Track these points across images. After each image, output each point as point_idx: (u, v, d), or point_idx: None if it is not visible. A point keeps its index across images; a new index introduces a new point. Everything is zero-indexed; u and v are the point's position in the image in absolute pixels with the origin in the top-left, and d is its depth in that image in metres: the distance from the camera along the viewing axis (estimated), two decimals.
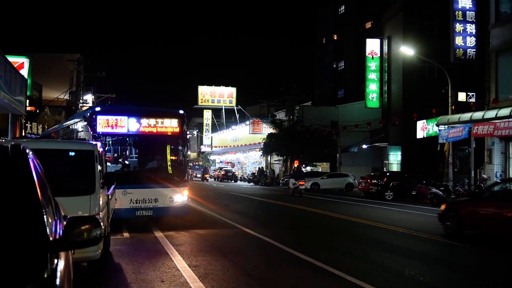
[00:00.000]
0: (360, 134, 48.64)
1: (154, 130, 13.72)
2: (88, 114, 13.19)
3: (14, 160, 3.22)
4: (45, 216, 3.01)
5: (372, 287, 7.67)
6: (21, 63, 26.11)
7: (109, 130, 13.18)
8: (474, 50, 31.62)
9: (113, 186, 10.38)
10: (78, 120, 14.76)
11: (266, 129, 56.61)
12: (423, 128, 35.21)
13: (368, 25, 67.37)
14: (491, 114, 25.36)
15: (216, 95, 79.23)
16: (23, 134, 28.09)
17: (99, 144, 9.21)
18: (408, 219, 18.08)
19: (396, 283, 8.18)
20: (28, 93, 19.75)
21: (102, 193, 8.08)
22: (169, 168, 14.24)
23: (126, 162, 15.01)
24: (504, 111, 24.38)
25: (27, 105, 19.92)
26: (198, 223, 15.09)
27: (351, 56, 70.87)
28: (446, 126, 29.27)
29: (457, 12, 31.67)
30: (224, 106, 79.97)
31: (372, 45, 46.69)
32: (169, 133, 13.90)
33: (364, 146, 49.50)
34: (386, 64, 46.01)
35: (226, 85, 79.49)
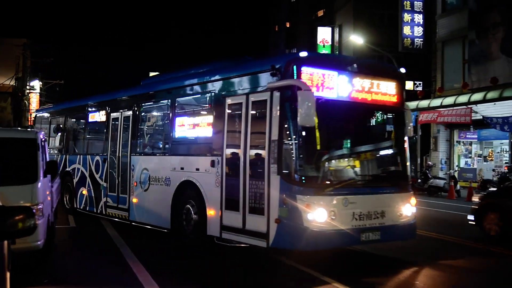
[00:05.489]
0: None
1: (375, 97, 8.89)
2: (286, 62, 8.19)
3: None
4: None
5: None
6: None
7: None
8: (422, 39, 32.40)
9: (58, 177, 10.18)
10: (249, 72, 9.12)
11: None
12: None
13: (321, 13, 67.77)
14: (436, 102, 26.08)
15: None
16: None
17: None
18: None
19: None
20: None
21: (45, 182, 8.02)
22: (392, 161, 9.64)
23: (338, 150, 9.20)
24: (449, 100, 25.15)
25: None
26: None
27: (304, 44, 71.05)
28: None
29: (405, 2, 32.30)
30: None
31: (324, 33, 47.13)
32: (390, 105, 9.18)
33: None
34: (337, 52, 46.56)
35: None
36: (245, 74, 9.12)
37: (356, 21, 43.53)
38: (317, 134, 8.09)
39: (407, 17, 32.27)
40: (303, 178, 7.95)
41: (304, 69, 8.04)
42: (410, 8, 32.44)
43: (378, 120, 9.72)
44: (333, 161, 8.84)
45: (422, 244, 10.39)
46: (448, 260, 9.50)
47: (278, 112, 8.03)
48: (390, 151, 9.67)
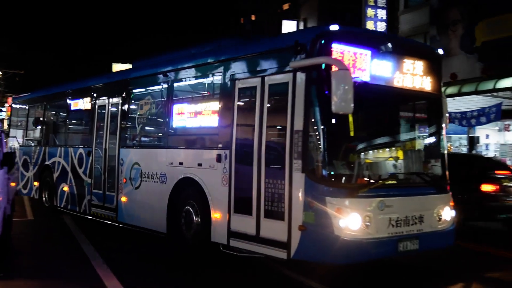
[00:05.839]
0: None
1: (412, 82, 7.58)
2: (313, 37, 6.86)
3: None
4: None
5: None
6: None
7: None
8: None
9: (15, 169, 10.26)
10: (265, 50, 7.79)
11: None
12: None
13: (286, 6, 68.05)
14: None
15: None
16: None
17: None
18: None
19: None
20: None
21: (1, 174, 7.90)
22: (430, 157, 8.18)
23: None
24: None
25: None
26: None
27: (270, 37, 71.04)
28: None
29: None
30: None
31: (288, 27, 46.53)
32: (428, 91, 7.84)
33: None
34: None
35: None
36: (261, 53, 7.76)
37: (321, 15, 43.59)
38: (350, 124, 6.71)
39: (370, 12, 32.15)
40: (333, 176, 6.72)
41: (335, 46, 6.70)
42: (373, 4, 32.51)
43: (415, 109, 8.32)
44: (367, 156, 7.52)
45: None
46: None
47: (303, 97, 6.71)
48: (427, 145, 8.28)
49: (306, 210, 6.61)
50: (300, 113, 6.75)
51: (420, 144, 8.25)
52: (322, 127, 6.65)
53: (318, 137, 6.67)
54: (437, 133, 8.16)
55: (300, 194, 6.68)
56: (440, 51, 8.30)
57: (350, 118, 6.68)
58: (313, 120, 6.69)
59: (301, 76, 6.80)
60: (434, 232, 7.44)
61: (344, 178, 6.87)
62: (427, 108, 8.27)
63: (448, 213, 7.69)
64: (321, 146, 6.63)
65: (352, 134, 6.90)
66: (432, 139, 8.25)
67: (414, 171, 7.90)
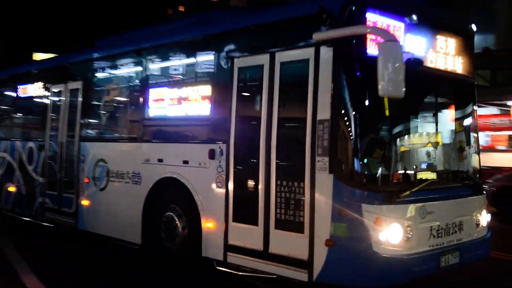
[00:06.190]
0: None
1: (446, 62, 6.27)
2: (342, 3, 5.45)
3: None
4: None
5: None
6: None
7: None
8: None
9: None
10: (276, 19, 6.33)
11: None
12: None
13: None
14: None
15: None
16: None
17: None
18: None
19: None
20: None
21: None
22: (466, 152, 6.85)
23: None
24: None
25: None
26: None
27: None
28: None
29: None
30: None
31: None
32: (463, 74, 6.56)
33: None
34: None
35: None
36: (269, 23, 6.31)
37: (250, 7, 43.20)
38: (387, 111, 5.37)
39: None
40: (371, 178, 5.45)
41: (369, 16, 5.35)
42: None
43: (451, 95, 6.96)
44: (408, 153, 6.12)
45: None
46: None
47: (331, 77, 5.36)
48: (464, 139, 6.95)
49: (336, 221, 5.24)
50: (327, 98, 5.39)
51: (457, 137, 6.93)
52: (358, 115, 5.28)
53: (350, 128, 5.27)
54: (472, 124, 6.93)
55: (327, 200, 5.31)
56: (474, 27, 6.95)
57: (387, 104, 5.34)
58: (344, 106, 5.33)
59: (326, 52, 5.44)
60: (473, 241, 6.25)
61: (383, 180, 5.52)
62: (463, 94, 6.92)
63: (485, 218, 6.55)
64: (356, 140, 5.27)
65: (394, 124, 5.62)
66: (468, 132, 6.95)
67: (453, 170, 6.65)
